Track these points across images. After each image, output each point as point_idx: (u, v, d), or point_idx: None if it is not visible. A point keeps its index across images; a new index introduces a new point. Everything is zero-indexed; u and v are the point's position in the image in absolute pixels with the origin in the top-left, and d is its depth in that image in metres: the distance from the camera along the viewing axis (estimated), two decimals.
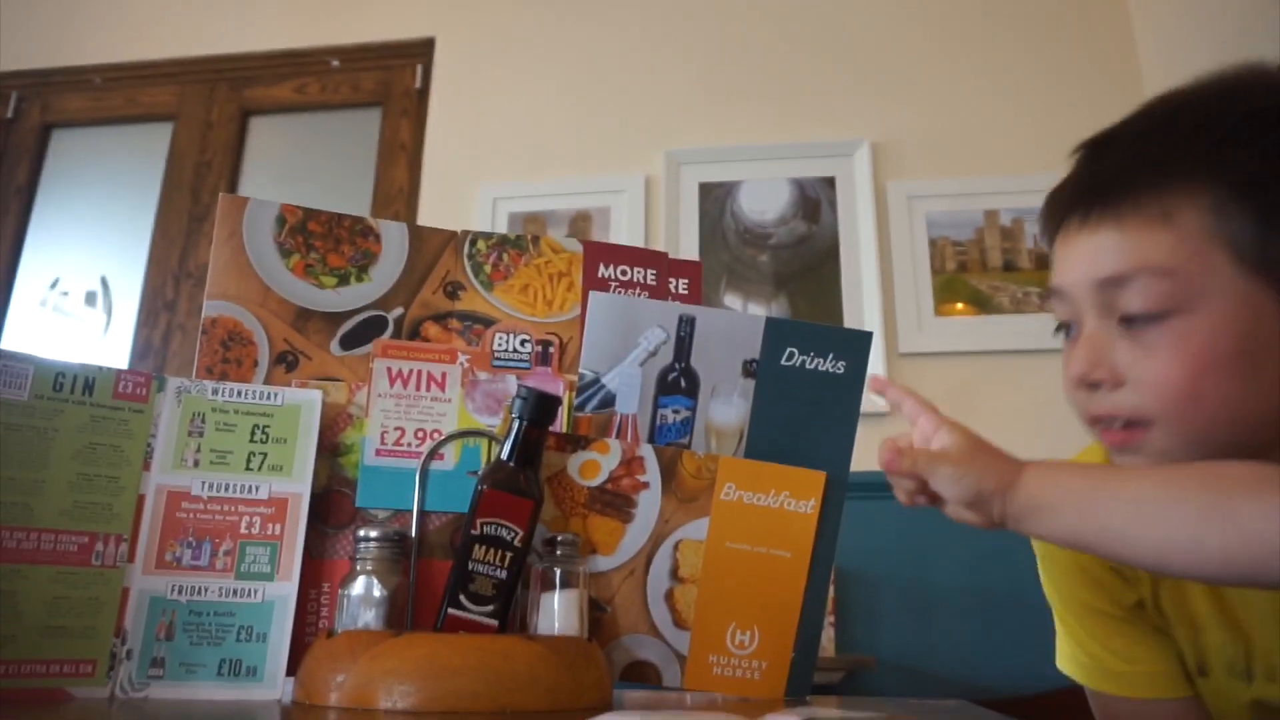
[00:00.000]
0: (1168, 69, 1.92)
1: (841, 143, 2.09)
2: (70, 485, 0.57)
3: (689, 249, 2.06)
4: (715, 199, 2.11)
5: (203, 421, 0.62)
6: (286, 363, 0.69)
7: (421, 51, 2.43)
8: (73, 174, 2.57)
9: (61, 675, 0.55)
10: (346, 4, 2.51)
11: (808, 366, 0.70)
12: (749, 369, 0.70)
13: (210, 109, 2.52)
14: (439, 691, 0.50)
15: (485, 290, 0.74)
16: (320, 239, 0.72)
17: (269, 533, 0.61)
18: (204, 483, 0.61)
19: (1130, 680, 0.66)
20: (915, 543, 1.64)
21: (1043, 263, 1.92)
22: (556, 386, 0.71)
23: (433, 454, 0.67)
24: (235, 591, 0.59)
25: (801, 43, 2.23)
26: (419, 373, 0.69)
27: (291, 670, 0.58)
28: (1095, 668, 0.67)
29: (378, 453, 0.67)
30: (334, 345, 0.70)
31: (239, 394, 0.64)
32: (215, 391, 0.63)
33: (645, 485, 0.68)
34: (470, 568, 0.60)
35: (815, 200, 2.08)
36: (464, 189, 2.22)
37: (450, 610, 0.59)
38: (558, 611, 0.60)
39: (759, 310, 1.99)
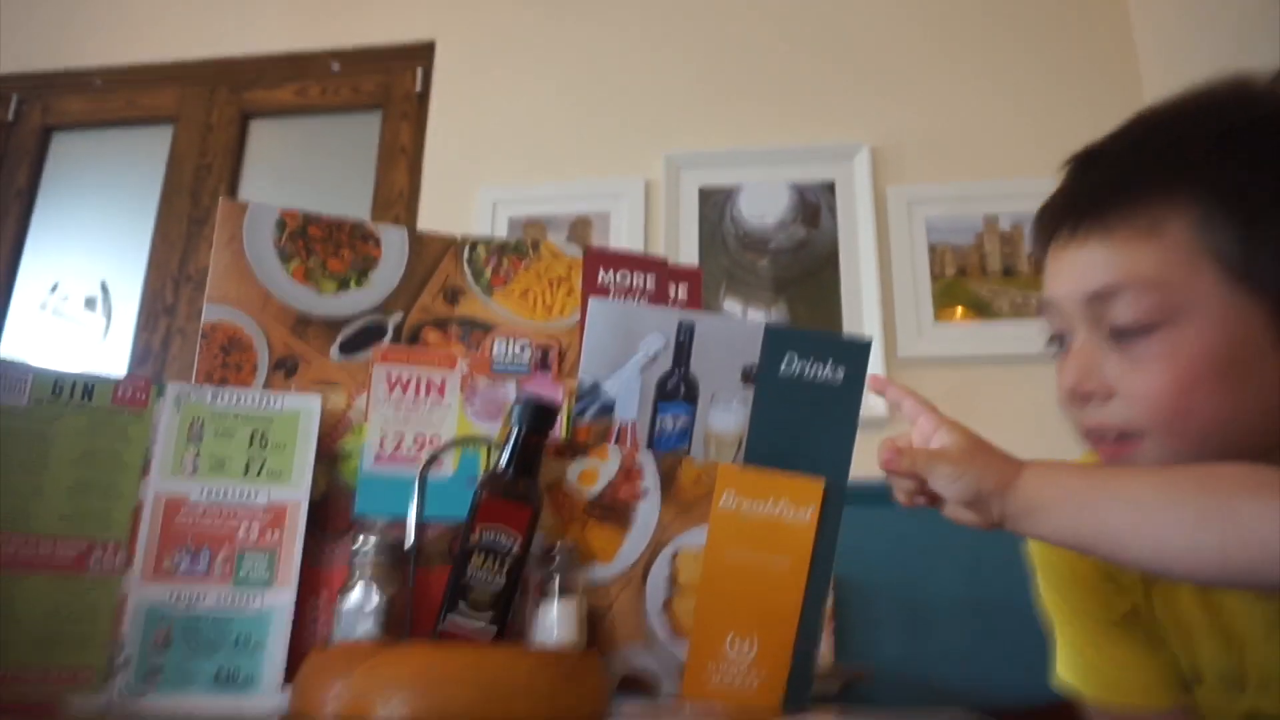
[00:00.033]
0: (1168, 74, 1.92)
1: (841, 146, 2.09)
2: (68, 491, 0.57)
3: (689, 253, 2.06)
4: (715, 203, 2.11)
5: (202, 427, 0.62)
6: (286, 368, 0.69)
7: (422, 55, 2.43)
8: (73, 177, 2.56)
9: (58, 683, 0.55)
10: (346, 7, 2.51)
11: (807, 373, 0.70)
12: (748, 376, 0.70)
13: (210, 111, 2.52)
14: (436, 702, 0.50)
15: (485, 296, 0.74)
16: (320, 244, 0.72)
17: (267, 540, 0.61)
18: (202, 489, 0.61)
19: (1126, 688, 0.66)
20: (914, 551, 1.64)
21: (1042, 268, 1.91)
22: (556, 393, 0.70)
23: (431, 461, 0.67)
24: (233, 600, 0.59)
25: (801, 46, 2.23)
26: (418, 379, 0.69)
27: (289, 679, 0.58)
28: (1091, 675, 0.68)
29: (376, 459, 0.67)
30: (333, 351, 0.70)
31: (238, 400, 0.64)
32: (214, 397, 0.63)
33: (644, 493, 0.68)
34: (468, 576, 0.60)
35: (815, 205, 2.08)
36: (464, 193, 2.22)
37: (448, 619, 0.59)
38: (556, 621, 0.60)
39: (758, 316, 1.99)
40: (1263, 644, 0.60)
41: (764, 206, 2.09)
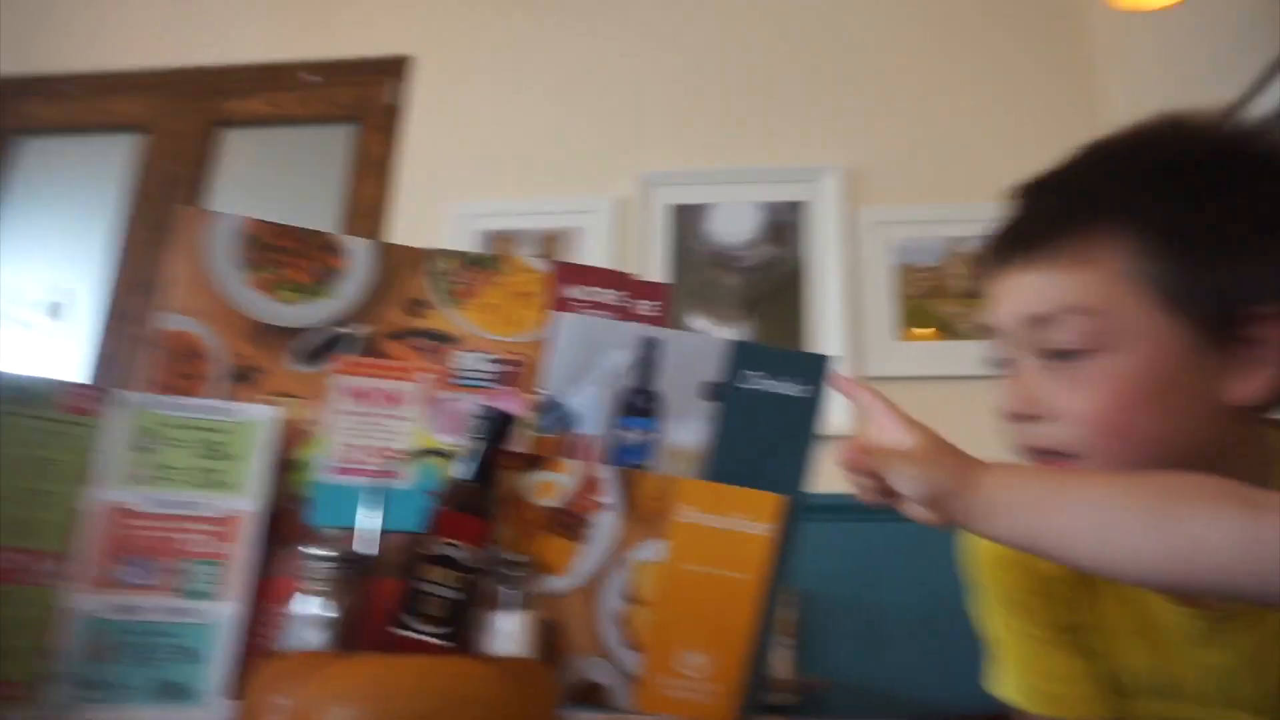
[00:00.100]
0: (1129, 104, 1.97)
1: (811, 168, 2.12)
2: (11, 500, 0.56)
3: (659, 271, 2.07)
4: (686, 221, 2.12)
5: (152, 437, 0.62)
6: (242, 378, 0.68)
7: (397, 68, 2.43)
8: (39, 183, 2.53)
9: None
10: (323, 20, 2.51)
11: (767, 389, 0.70)
12: (709, 391, 0.70)
13: (183, 120, 2.50)
14: (385, 713, 0.49)
15: (449, 308, 0.74)
16: (282, 253, 0.72)
17: (216, 551, 0.60)
18: (151, 499, 0.60)
19: (1060, 702, 0.67)
20: (873, 567, 1.65)
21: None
22: (518, 406, 0.70)
23: (388, 473, 0.67)
24: (177, 611, 0.58)
25: (775, 68, 2.27)
26: (378, 390, 0.69)
27: (239, 690, 0.57)
28: (1030, 691, 0.69)
29: (332, 470, 0.66)
30: (292, 361, 0.70)
31: (190, 409, 0.63)
32: (166, 406, 0.63)
33: (603, 506, 0.68)
34: (422, 588, 0.59)
35: (784, 224, 2.10)
36: (435, 206, 2.22)
37: (400, 631, 0.59)
38: (508, 632, 0.60)
39: (727, 333, 2.00)
40: (1195, 652, 0.62)
41: (734, 225, 2.11)
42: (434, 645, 0.59)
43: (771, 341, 1.99)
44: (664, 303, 0.78)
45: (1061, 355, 0.58)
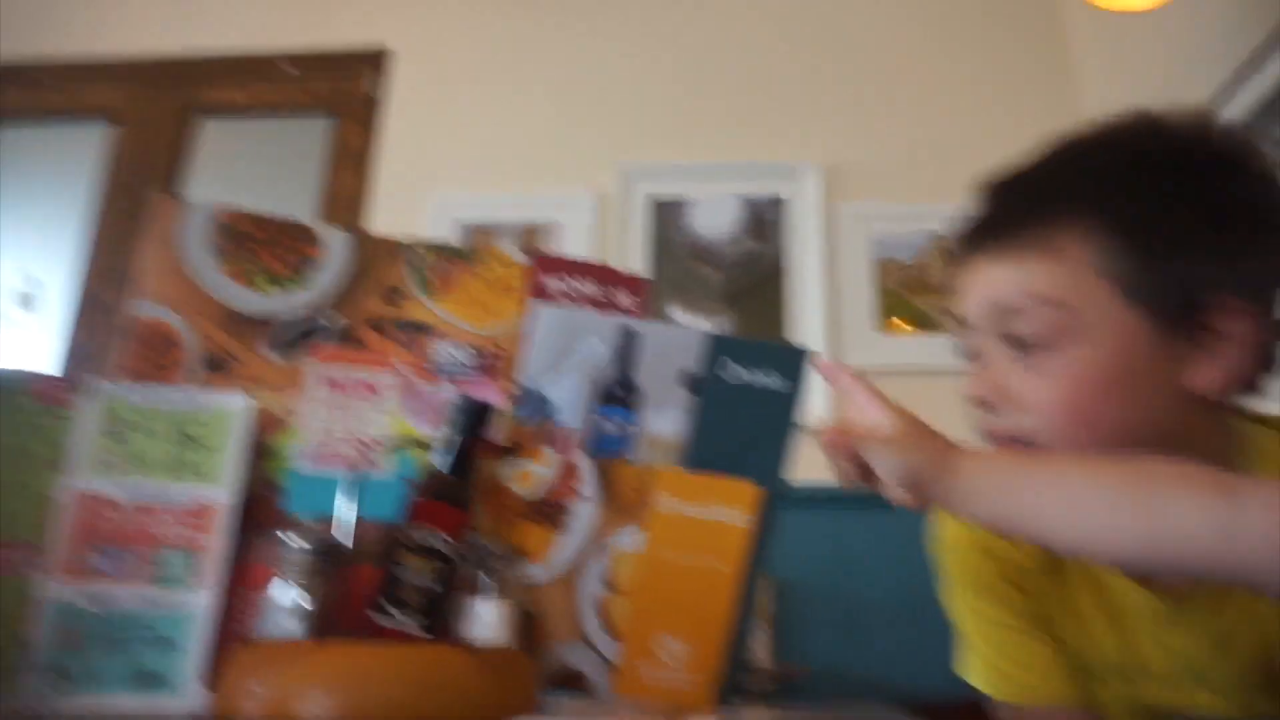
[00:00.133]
0: (1110, 103, 1.99)
1: (792, 164, 2.13)
2: None
3: (639, 263, 2.07)
4: (667, 215, 2.13)
5: (125, 426, 0.61)
6: (217, 367, 0.68)
7: (376, 60, 2.41)
8: (11, 171, 2.49)
9: None
10: (302, 10, 2.48)
11: (746, 380, 0.71)
12: (688, 382, 0.71)
13: (158, 109, 2.47)
14: (361, 701, 0.49)
15: (427, 298, 0.73)
16: (257, 243, 0.71)
17: (191, 540, 0.60)
18: (124, 489, 0.60)
19: (1031, 689, 0.68)
20: (851, 555, 1.67)
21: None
22: (496, 396, 0.70)
23: (366, 461, 0.67)
24: (152, 600, 0.58)
25: (757, 63, 2.27)
26: (355, 380, 0.69)
27: (214, 678, 0.57)
28: (999, 678, 0.70)
29: (308, 458, 0.66)
30: (268, 350, 0.69)
31: (163, 398, 0.62)
32: (140, 395, 0.62)
33: (581, 495, 0.68)
34: (400, 576, 0.59)
35: (765, 219, 2.11)
36: (415, 198, 2.21)
37: (378, 619, 0.59)
38: (487, 620, 0.60)
39: (707, 326, 2.01)
40: (1160, 634, 0.63)
41: (715, 219, 2.12)
42: (411, 634, 0.59)
43: (752, 335, 1.99)
44: (643, 296, 0.79)
45: (1028, 345, 0.59)
